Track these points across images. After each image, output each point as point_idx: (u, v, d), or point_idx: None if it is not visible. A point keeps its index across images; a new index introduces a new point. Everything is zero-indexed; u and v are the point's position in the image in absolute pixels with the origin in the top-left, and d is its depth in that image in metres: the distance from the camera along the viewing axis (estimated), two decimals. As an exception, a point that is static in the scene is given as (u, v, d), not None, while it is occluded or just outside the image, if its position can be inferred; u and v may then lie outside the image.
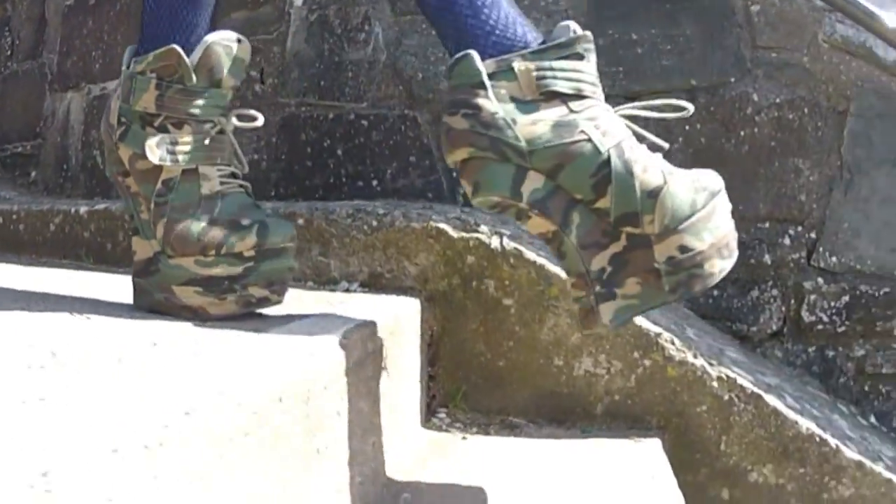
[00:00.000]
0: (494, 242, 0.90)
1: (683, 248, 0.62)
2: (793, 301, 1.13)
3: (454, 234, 0.91)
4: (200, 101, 0.69)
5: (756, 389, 0.89)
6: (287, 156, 1.22)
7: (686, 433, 0.88)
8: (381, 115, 1.18)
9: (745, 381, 0.88)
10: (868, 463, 0.92)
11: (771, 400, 0.89)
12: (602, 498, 0.69)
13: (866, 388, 1.19)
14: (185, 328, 0.64)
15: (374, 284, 0.94)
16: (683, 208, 0.62)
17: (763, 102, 1.13)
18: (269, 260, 0.69)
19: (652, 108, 0.67)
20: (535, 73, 0.63)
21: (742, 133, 1.12)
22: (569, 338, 0.88)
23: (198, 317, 0.69)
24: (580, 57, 0.64)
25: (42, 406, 0.39)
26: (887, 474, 0.93)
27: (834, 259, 1.14)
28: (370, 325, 0.70)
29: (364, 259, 0.95)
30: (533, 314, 0.89)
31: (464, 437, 0.85)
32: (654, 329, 0.87)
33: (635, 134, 0.65)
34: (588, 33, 0.65)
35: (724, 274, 0.63)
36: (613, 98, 1.15)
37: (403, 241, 0.93)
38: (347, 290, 0.94)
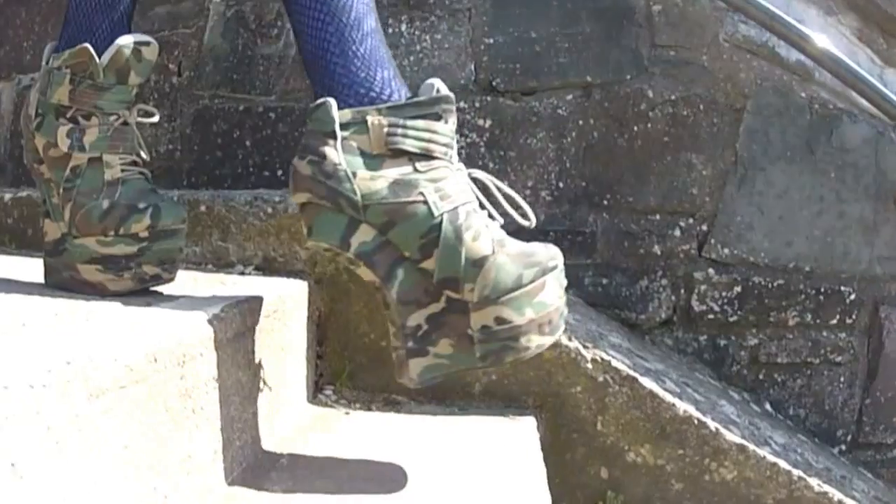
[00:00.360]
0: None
1: (500, 320, 0.64)
2: (683, 291, 1.18)
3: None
4: (107, 96, 0.75)
5: (632, 372, 0.93)
6: (199, 146, 1.25)
7: (562, 413, 0.92)
8: (287, 107, 1.22)
9: (620, 364, 0.92)
10: (751, 447, 0.96)
11: (647, 382, 0.93)
12: (471, 469, 0.72)
13: (761, 377, 1.25)
14: (85, 301, 0.69)
15: (268, 268, 0.97)
16: (507, 281, 0.64)
17: (658, 99, 1.19)
18: (162, 240, 0.74)
19: (502, 191, 0.69)
20: (386, 129, 0.65)
21: (635, 128, 1.18)
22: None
23: (98, 293, 0.74)
24: (437, 117, 0.66)
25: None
26: (773, 458, 0.98)
27: (726, 251, 1.20)
28: (252, 302, 0.73)
29: (259, 244, 0.98)
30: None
31: (347, 413, 0.88)
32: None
33: (493, 198, 0.67)
34: (450, 95, 0.67)
35: (541, 349, 0.66)
36: (510, 93, 1.21)
37: (296, 227, 0.97)
38: (242, 273, 0.98)
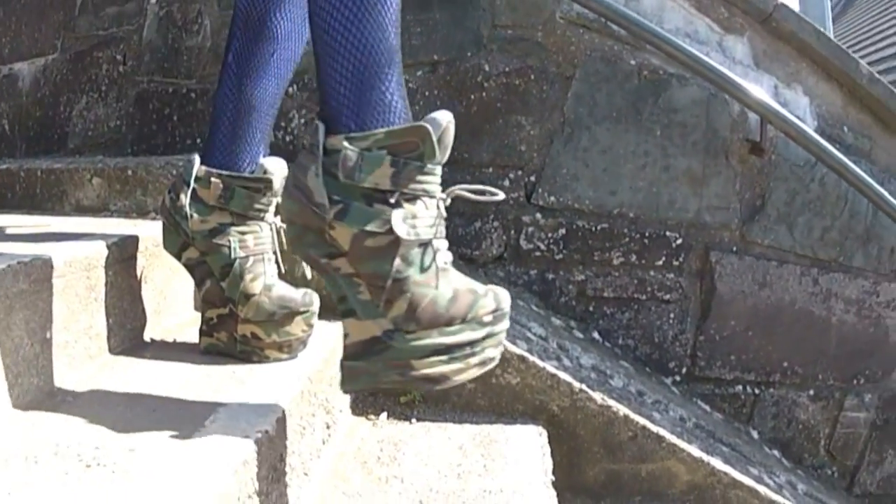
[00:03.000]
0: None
1: (253, 335, 1.05)
2: (512, 231, 1.61)
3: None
4: (433, 178, 0.79)
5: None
6: (139, 121, 1.80)
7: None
8: (205, 88, 1.74)
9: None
10: (532, 358, 1.38)
11: None
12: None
13: (590, 309, 1.66)
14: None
15: None
16: (263, 313, 1.04)
17: (493, 71, 1.61)
18: (501, 322, 0.82)
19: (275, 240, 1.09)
20: (220, 191, 1.05)
21: (472, 97, 1.61)
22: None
23: (437, 385, 0.79)
24: (257, 190, 1.04)
25: None
26: (553, 370, 1.39)
27: (552, 198, 1.62)
28: (147, 239, 1.25)
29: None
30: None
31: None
32: None
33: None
34: (271, 178, 1.04)
35: (280, 360, 1.05)
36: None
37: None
38: (154, 219, 1.51)
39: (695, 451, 1.45)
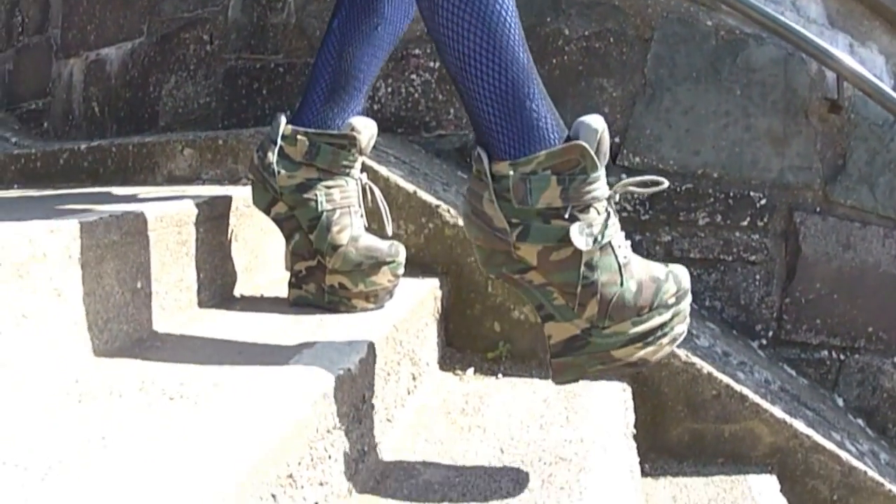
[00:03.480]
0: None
1: (341, 285, 1.13)
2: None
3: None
4: (598, 184, 0.86)
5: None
6: (228, 97, 1.91)
7: (461, 277, 1.44)
8: (291, 63, 1.84)
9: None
10: None
11: None
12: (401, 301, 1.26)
13: (678, 270, 1.70)
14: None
15: None
16: (350, 262, 1.12)
17: (573, 35, 1.69)
18: (685, 299, 0.90)
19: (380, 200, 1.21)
20: (307, 147, 1.12)
21: (554, 61, 1.69)
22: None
23: (638, 368, 0.90)
24: (342, 147, 1.12)
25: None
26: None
27: (637, 159, 1.68)
28: (237, 199, 1.34)
29: None
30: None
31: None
32: (435, 202, 1.45)
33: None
34: (357, 136, 1.11)
35: (365, 311, 1.13)
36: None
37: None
38: (246, 184, 1.60)
39: (778, 412, 1.47)
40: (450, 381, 1.34)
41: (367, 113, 1.77)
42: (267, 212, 1.18)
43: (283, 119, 1.15)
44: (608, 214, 0.86)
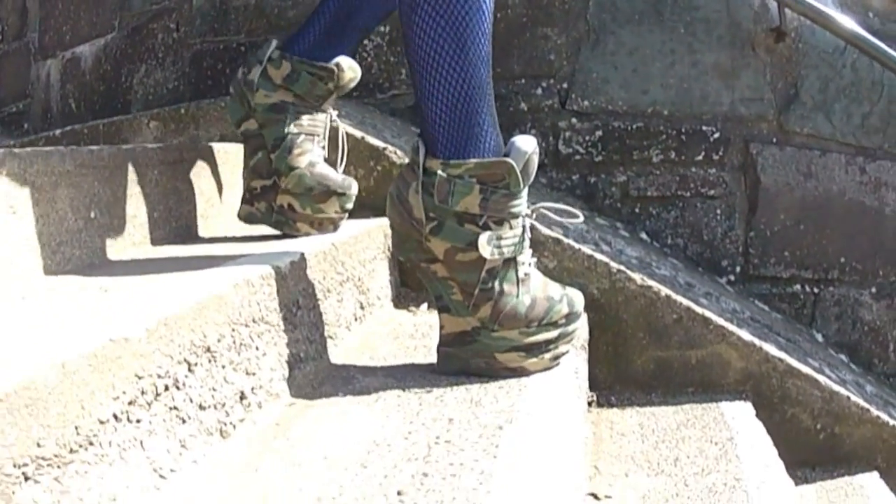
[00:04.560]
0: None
1: (289, 206, 1.23)
2: (550, 137, 1.79)
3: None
4: (518, 201, 0.96)
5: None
6: (195, 79, 2.07)
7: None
8: (252, 42, 2.01)
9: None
10: (567, 240, 1.47)
11: None
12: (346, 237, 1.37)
13: (637, 210, 1.81)
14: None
15: (225, 139, 1.74)
16: (301, 184, 1.22)
17: (517, -11, 1.83)
18: (573, 322, 1.02)
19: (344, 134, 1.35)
20: (287, 72, 1.22)
21: (498, 15, 1.82)
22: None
23: (516, 375, 0.98)
24: (320, 78, 1.23)
25: None
26: (590, 252, 1.49)
27: (586, 102, 1.80)
28: (181, 145, 1.50)
29: (220, 125, 1.75)
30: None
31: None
32: (383, 145, 1.57)
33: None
34: (334, 69, 1.22)
35: (308, 236, 1.21)
36: None
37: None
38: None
39: (746, 335, 1.49)
40: (402, 316, 1.42)
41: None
42: (238, 125, 1.29)
43: (274, 43, 1.26)
44: (522, 231, 0.96)
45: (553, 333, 0.99)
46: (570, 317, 1.01)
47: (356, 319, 1.29)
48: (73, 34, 2.28)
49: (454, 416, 0.86)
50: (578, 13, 1.81)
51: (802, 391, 1.49)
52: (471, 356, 0.98)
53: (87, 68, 2.23)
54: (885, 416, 1.54)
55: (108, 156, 1.19)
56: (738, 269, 1.82)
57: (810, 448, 1.51)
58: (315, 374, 1.03)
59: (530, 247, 1.01)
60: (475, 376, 0.99)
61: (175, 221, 1.37)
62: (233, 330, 0.83)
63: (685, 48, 1.80)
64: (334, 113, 1.30)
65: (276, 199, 1.25)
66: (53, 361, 0.51)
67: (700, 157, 1.79)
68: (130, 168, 1.25)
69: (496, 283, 0.96)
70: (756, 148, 1.80)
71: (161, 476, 0.65)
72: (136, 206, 1.26)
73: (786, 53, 1.81)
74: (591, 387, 1.52)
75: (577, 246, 1.48)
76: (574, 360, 1.07)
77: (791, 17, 1.79)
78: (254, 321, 0.90)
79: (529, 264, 1.00)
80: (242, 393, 0.83)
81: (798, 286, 1.84)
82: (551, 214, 1.04)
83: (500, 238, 0.94)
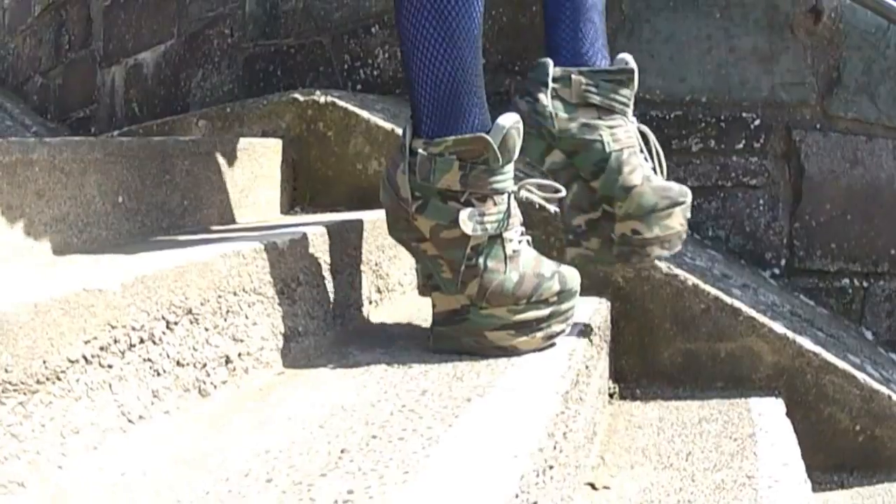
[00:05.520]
0: (322, 99, 1.77)
1: (635, 232, 1.09)
2: (585, 128, 1.81)
3: (302, 99, 1.80)
4: (500, 177, 0.97)
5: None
6: (248, 82, 2.19)
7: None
8: (301, 44, 2.11)
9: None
10: None
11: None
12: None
13: (675, 198, 1.81)
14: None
15: (267, 135, 1.85)
16: (646, 205, 1.08)
17: (551, -19, 1.86)
18: (567, 301, 1.02)
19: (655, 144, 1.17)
20: (583, 87, 1.11)
21: (534, 8, 1.86)
22: (363, 150, 1.71)
23: (507, 354, 0.99)
24: (621, 83, 1.12)
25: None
26: None
27: (621, 92, 1.81)
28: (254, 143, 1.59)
29: (263, 122, 1.86)
30: (344, 138, 1.73)
31: (302, 215, 1.71)
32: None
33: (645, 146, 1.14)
34: (633, 67, 1.13)
35: (660, 259, 1.16)
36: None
37: (279, 110, 1.83)
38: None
39: (778, 327, 1.46)
40: (423, 303, 1.43)
41: (370, 79, 2.01)
42: (540, 162, 1.15)
43: (550, 61, 1.14)
44: (507, 207, 0.98)
45: (544, 311, 0.99)
46: (563, 295, 1.01)
47: (371, 303, 1.34)
48: (135, 42, 2.44)
49: (429, 388, 0.89)
50: (613, 2, 1.83)
51: (840, 389, 1.45)
52: (462, 334, 1.00)
53: (148, 74, 2.39)
54: None
55: (138, 146, 1.28)
56: (782, 261, 1.79)
57: (848, 450, 1.46)
58: (315, 348, 1.07)
59: (524, 223, 1.03)
60: (467, 354, 1.01)
61: (207, 210, 1.47)
62: (219, 296, 0.88)
63: (722, 33, 1.79)
64: (635, 120, 1.19)
65: (616, 229, 1.12)
66: (26, 301, 0.58)
67: (741, 146, 1.78)
68: (160, 158, 1.33)
69: (482, 260, 0.98)
70: (799, 134, 1.78)
71: (129, 420, 0.71)
72: (165, 194, 1.34)
73: (826, 35, 1.78)
74: (618, 378, 1.54)
75: None
76: (572, 342, 1.08)
77: (831, -2, 1.76)
78: (244, 291, 0.95)
79: (519, 241, 1.01)
80: (228, 357, 0.88)
81: (846, 280, 1.80)
82: (535, 191, 1.07)
83: (482, 214, 0.96)
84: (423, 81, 0.99)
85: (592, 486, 1.09)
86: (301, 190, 1.80)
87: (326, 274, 1.17)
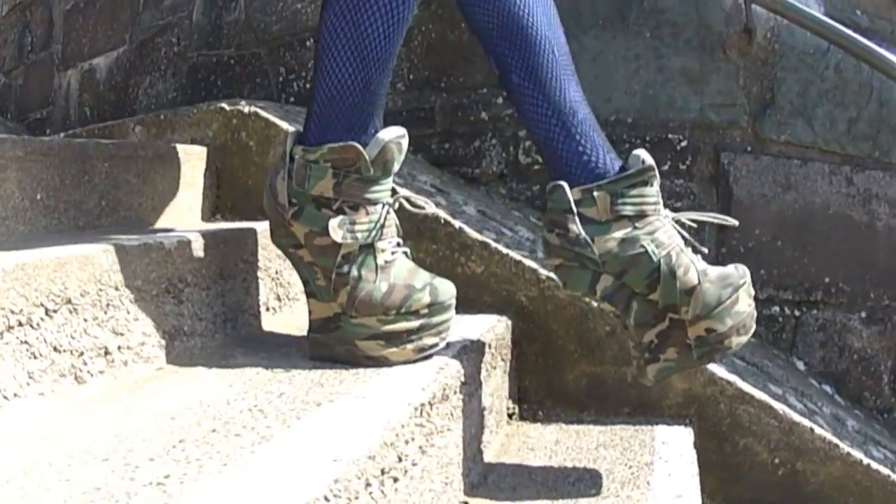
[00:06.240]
0: (246, 109, 1.78)
1: (709, 330, 1.02)
2: (511, 147, 1.80)
3: (228, 109, 1.81)
4: (375, 188, 0.98)
5: (404, 192, 1.60)
6: (190, 91, 2.21)
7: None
8: (241, 54, 2.13)
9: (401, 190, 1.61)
10: (494, 244, 1.46)
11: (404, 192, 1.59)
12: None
13: (597, 219, 1.79)
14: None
15: (196, 143, 1.86)
16: (711, 302, 1.01)
17: None
18: (439, 314, 1.02)
19: (699, 219, 1.07)
20: (609, 200, 1.02)
21: (462, 25, 1.86)
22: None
23: (378, 364, 0.99)
24: (645, 183, 1.03)
25: None
26: (518, 257, 1.42)
27: (545, 110, 1.80)
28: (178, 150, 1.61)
29: (192, 130, 1.88)
30: (264, 148, 1.74)
31: (221, 222, 1.72)
32: None
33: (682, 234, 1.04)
34: (652, 163, 1.03)
35: (741, 346, 1.04)
36: None
37: (207, 119, 1.85)
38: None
39: None
40: None
41: (301, 90, 2.00)
42: (592, 292, 1.07)
43: (565, 184, 1.05)
44: (381, 218, 1.00)
45: (414, 323, 1.00)
46: (434, 308, 1.02)
47: (268, 309, 1.34)
48: (91, 46, 2.48)
49: (288, 391, 0.91)
50: (541, 19, 1.81)
51: (756, 419, 1.40)
52: (335, 342, 1.01)
53: (101, 79, 2.42)
54: (857, 454, 1.43)
55: (59, 146, 1.32)
56: (707, 285, 1.76)
57: (767, 484, 1.42)
58: (200, 349, 1.10)
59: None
60: (340, 363, 1.02)
61: (124, 211, 1.49)
62: (99, 289, 0.91)
63: (651, 53, 1.77)
64: (666, 210, 1.10)
65: (689, 334, 1.05)
66: None
67: (666, 168, 1.76)
68: (80, 159, 1.36)
69: (353, 269, 0.99)
70: (728, 157, 1.75)
71: (4, 397, 0.77)
72: (83, 194, 1.36)
73: (761, 56, 1.75)
74: (521, 399, 1.52)
75: (504, 251, 1.45)
76: (449, 358, 1.08)
77: (767, 17, 1.73)
78: (126, 287, 0.98)
79: (392, 252, 1.02)
80: (107, 349, 0.91)
81: (776, 308, 1.76)
82: (408, 205, 1.07)
83: (353, 223, 0.98)
84: (321, 92, 1.01)
85: (466, 504, 1.08)
86: (224, 198, 1.81)
87: (217, 278, 1.19)
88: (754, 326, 1.08)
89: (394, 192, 1.05)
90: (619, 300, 1.05)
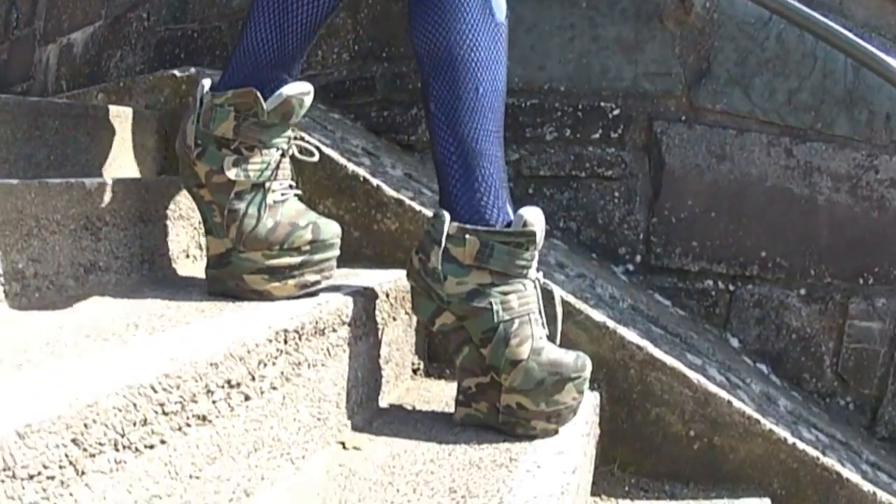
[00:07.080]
0: (196, 75, 1.84)
1: (519, 405, 1.07)
2: (442, 113, 1.82)
3: (179, 75, 1.87)
4: (270, 133, 1.07)
5: (329, 151, 1.64)
6: (157, 63, 2.29)
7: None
8: (203, 28, 2.19)
9: (329, 150, 1.64)
10: (409, 201, 1.48)
11: (336, 157, 1.62)
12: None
13: (530, 191, 1.80)
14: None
15: (149, 108, 1.93)
16: (530, 381, 1.06)
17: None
18: (321, 252, 1.08)
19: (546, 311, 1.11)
20: (478, 248, 1.05)
21: (403, -9, 1.89)
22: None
23: (263, 299, 1.06)
24: (519, 245, 1.05)
25: None
26: (429, 212, 1.45)
27: (479, 78, 1.81)
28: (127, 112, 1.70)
29: (147, 95, 1.95)
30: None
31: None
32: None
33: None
34: (534, 230, 1.04)
35: (546, 434, 1.08)
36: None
37: (160, 84, 1.91)
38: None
39: (596, 315, 1.40)
40: None
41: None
42: (431, 323, 1.12)
43: (447, 216, 1.08)
44: (274, 161, 1.08)
45: (296, 259, 1.07)
46: (316, 245, 1.09)
47: (188, 256, 1.39)
48: (70, 22, 2.58)
49: (168, 314, 0.99)
50: (479, -12, 1.83)
51: (669, 388, 1.38)
52: (227, 277, 1.08)
53: (77, 53, 2.52)
54: (782, 432, 1.40)
55: (14, 103, 1.40)
56: (637, 257, 1.76)
57: (682, 458, 1.39)
58: (114, 285, 1.18)
59: (293, 177, 1.12)
60: (233, 297, 1.09)
61: (71, 166, 1.57)
62: (20, 219, 0.99)
63: (586, 22, 1.78)
64: (540, 275, 1.12)
65: (501, 399, 1.10)
66: None
67: (597, 136, 1.76)
68: (32, 115, 1.44)
69: (243, 206, 1.07)
70: (661, 126, 1.75)
71: None
72: (33, 148, 1.44)
73: (698, 25, 1.74)
74: (432, 357, 1.54)
75: (418, 208, 1.48)
76: (337, 297, 1.12)
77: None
78: (46, 219, 1.06)
79: (282, 194, 1.09)
80: (24, 273, 0.98)
81: (709, 282, 1.75)
82: (295, 151, 1.14)
83: (247, 161, 1.07)
84: (240, 48, 1.11)
85: (343, 444, 1.12)
86: (171, 160, 1.86)
87: (137, 220, 1.25)
88: (570, 419, 1.11)
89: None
90: (453, 339, 1.11)
